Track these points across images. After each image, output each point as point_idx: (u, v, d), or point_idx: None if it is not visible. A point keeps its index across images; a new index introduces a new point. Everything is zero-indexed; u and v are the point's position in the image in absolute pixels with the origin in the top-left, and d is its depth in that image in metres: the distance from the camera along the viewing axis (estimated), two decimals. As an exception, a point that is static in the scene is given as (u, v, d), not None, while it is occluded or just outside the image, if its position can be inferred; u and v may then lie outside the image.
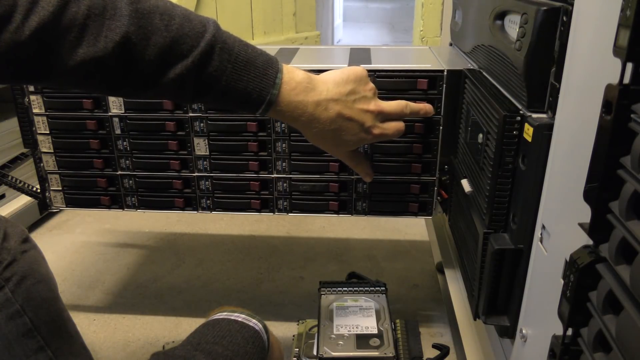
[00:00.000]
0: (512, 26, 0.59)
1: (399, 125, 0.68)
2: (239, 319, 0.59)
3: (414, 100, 0.79)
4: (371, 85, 0.65)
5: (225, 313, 0.61)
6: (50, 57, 0.44)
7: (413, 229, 1.47)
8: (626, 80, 0.31)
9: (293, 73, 0.57)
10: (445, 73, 0.78)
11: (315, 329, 0.79)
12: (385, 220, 1.49)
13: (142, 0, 0.47)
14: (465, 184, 0.69)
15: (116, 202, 0.92)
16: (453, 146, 0.82)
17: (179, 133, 0.86)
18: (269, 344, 0.61)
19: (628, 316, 0.30)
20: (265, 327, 0.62)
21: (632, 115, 0.31)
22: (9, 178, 1.05)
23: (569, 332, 0.38)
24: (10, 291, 0.65)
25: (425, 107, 0.74)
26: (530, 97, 0.53)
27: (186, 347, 0.55)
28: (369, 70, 0.79)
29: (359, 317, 0.78)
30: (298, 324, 0.85)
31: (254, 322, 0.60)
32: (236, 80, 0.52)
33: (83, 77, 0.46)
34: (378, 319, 0.77)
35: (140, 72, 0.48)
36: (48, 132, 0.88)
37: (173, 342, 1.04)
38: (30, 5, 0.41)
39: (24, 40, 0.41)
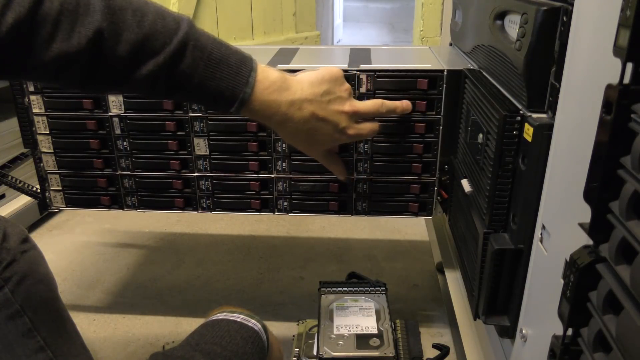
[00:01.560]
0: (512, 26, 0.59)
1: (373, 125, 0.69)
2: (238, 319, 0.59)
3: (414, 100, 0.79)
4: (347, 85, 0.65)
5: (225, 313, 0.61)
6: (25, 53, 0.44)
7: (413, 229, 1.47)
8: (626, 80, 0.31)
9: (267, 72, 0.57)
10: (445, 73, 0.78)
11: (315, 329, 0.79)
12: (385, 220, 1.49)
13: None
14: (465, 184, 0.69)
15: (116, 202, 0.92)
16: (453, 146, 0.82)
17: (179, 133, 0.86)
18: (268, 344, 0.61)
19: (628, 316, 0.30)
20: (264, 327, 0.62)
21: (632, 115, 0.31)
22: (9, 178, 1.05)
23: (569, 332, 0.38)
24: (10, 291, 0.65)
25: (402, 104, 0.75)
26: (530, 97, 0.53)
27: (185, 348, 0.55)
28: (369, 70, 0.79)
29: (359, 317, 0.78)
30: (298, 324, 0.85)
31: (253, 322, 0.60)
32: (209, 78, 0.52)
33: (56, 72, 0.47)
34: (378, 319, 0.77)
35: (112, 68, 0.48)
36: (48, 132, 0.88)
37: (173, 342, 1.04)
38: (6, 2, 0.42)
39: (1, 37, 0.42)
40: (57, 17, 0.44)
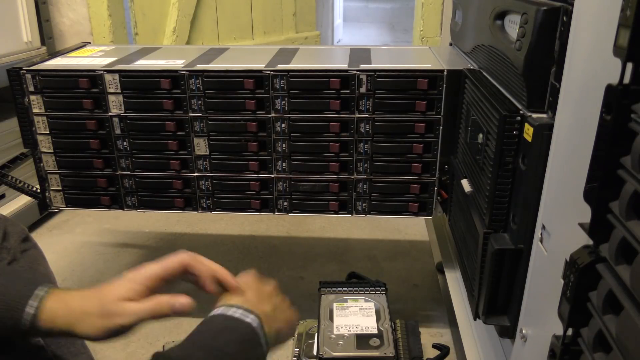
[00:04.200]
0: (512, 26, 0.59)
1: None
2: (236, 315, 0.59)
3: (414, 100, 0.79)
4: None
5: (223, 308, 0.60)
6: None
7: (413, 229, 1.47)
8: (626, 80, 0.31)
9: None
10: (445, 73, 0.78)
11: (315, 329, 0.79)
12: (385, 220, 1.49)
13: None
14: (465, 184, 0.69)
15: (116, 202, 0.92)
16: (453, 146, 0.82)
17: (179, 133, 0.86)
18: (266, 339, 0.60)
19: (628, 316, 0.30)
20: (261, 321, 0.61)
21: (632, 115, 0.31)
22: (9, 178, 1.05)
23: (569, 332, 0.38)
24: (10, 291, 0.65)
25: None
26: (530, 97, 0.53)
27: (184, 346, 0.55)
28: (368, 70, 0.80)
29: (359, 317, 0.78)
30: (298, 324, 0.85)
31: (251, 318, 0.60)
32: None
33: None
34: (378, 319, 0.77)
35: None
36: (48, 132, 0.88)
37: (173, 341, 1.04)
38: None
39: None
40: None
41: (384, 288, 0.85)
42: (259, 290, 0.62)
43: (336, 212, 0.88)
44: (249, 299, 0.60)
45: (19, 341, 0.58)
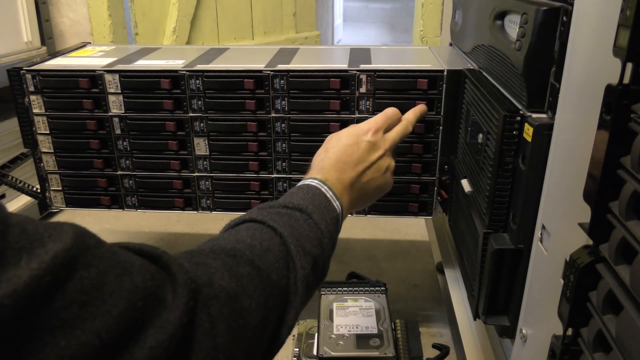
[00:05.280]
0: (512, 26, 0.59)
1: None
2: (328, 195, 0.58)
3: (414, 100, 0.79)
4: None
5: (317, 182, 0.59)
6: None
7: (413, 229, 1.47)
8: (626, 80, 0.31)
9: None
10: (445, 73, 0.78)
11: (315, 329, 0.79)
12: (385, 220, 1.49)
13: None
14: (465, 184, 0.69)
15: (116, 202, 0.92)
16: (453, 146, 0.82)
17: (179, 133, 0.86)
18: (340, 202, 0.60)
19: (628, 316, 0.30)
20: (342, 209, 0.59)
21: (632, 115, 0.31)
22: (9, 178, 1.05)
23: (569, 332, 0.38)
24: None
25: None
26: (530, 97, 0.53)
27: (281, 204, 0.55)
28: (369, 70, 0.79)
29: (359, 317, 0.78)
30: (298, 324, 0.85)
31: (337, 204, 0.59)
32: None
33: None
34: (378, 319, 0.77)
35: None
36: (48, 132, 0.88)
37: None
38: None
39: None
40: None
41: (384, 288, 0.85)
42: (352, 154, 0.61)
43: (336, 212, 0.88)
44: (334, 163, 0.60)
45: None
